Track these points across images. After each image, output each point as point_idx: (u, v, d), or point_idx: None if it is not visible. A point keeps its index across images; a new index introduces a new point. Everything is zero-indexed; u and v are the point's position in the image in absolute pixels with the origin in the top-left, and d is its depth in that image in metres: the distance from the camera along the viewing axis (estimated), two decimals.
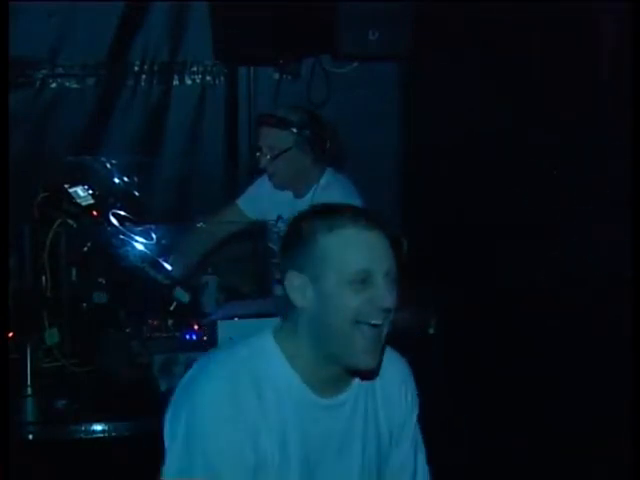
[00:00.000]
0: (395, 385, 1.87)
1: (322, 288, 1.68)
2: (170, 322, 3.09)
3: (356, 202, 3.18)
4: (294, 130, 3.15)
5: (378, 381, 1.84)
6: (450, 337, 3.76)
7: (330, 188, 3.21)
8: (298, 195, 3.28)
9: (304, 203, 3.16)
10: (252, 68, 4.42)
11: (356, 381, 1.80)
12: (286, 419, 1.70)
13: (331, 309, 1.67)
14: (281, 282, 1.75)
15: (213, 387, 1.69)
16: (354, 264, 1.67)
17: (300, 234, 1.72)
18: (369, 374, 1.79)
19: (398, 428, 1.87)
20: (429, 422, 1.94)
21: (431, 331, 3.93)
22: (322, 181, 3.24)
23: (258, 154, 3.24)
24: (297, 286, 1.71)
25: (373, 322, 1.68)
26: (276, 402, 1.70)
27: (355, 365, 1.71)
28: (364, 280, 1.67)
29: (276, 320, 1.83)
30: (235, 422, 1.66)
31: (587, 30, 2.60)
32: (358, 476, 1.80)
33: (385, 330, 1.72)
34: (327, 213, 1.73)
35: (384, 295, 1.67)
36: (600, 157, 2.61)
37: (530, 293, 2.98)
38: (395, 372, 1.88)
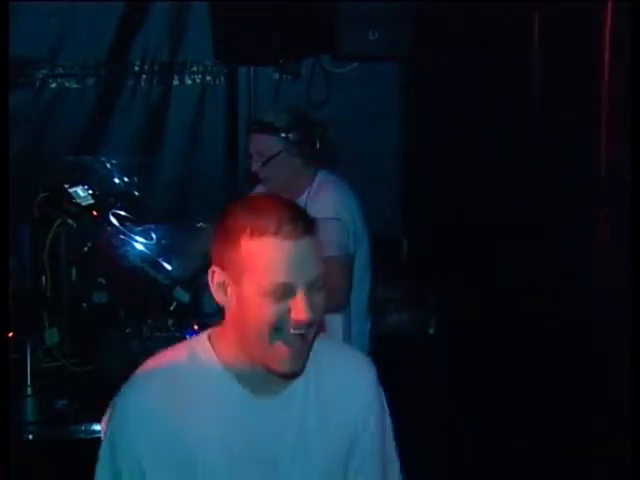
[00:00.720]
0: (347, 389, 1.77)
1: (242, 292, 1.62)
2: (170, 322, 3.09)
3: (350, 204, 3.19)
4: (282, 135, 3.14)
5: (324, 383, 1.75)
6: (450, 337, 3.76)
7: (323, 190, 3.20)
8: (293, 198, 3.28)
9: (309, 205, 3.17)
10: (252, 68, 4.42)
11: (295, 382, 1.72)
12: (218, 418, 1.66)
13: (250, 315, 1.61)
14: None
15: (142, 384, 1.70)
16: (272, 277, 1.58)
17: (225, 230, 1.64)
18: (293, 376, 1.69)
19: (353, 435, 1.77)
20: (429, 422, 1.94)
21: (431, 331, 3.93)
22: (315, 184, 3.23)
23: (250, 160, 3.24)
24: (218, 283, 1.66)
25: (292, 332, 1.61)
26: (208, 402, 1.66)
27: (275, 369, 1.64)
28: (283, 293, 1.58)
29: None
30: (159, 420, 1.64)
31: (587, 30, 2.60)
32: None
33: (311, 334, 1.65)
34: (252, 213, 1.62)
35: (302, 309, 1.58)
36: (600, 157, 2.61)
37: (530, 293, 2.98)
38: (349, 375, 1.79)
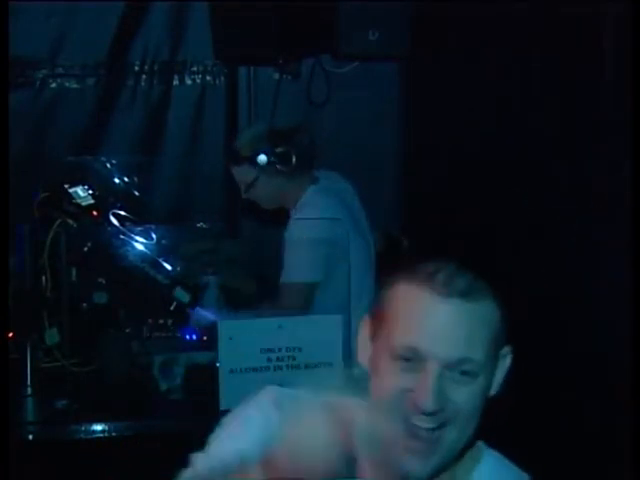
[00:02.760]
0: None
1: (376, 349, 1.32)
2: (170, 322, 3.09)
3: (334, 215, 3.17)
4: (251, 163, 3.15)
5: None
6: None
7: (305, 207, 3.21)
8: (287, 211, 3.31)
9: (289, 224, 3.21)
10: (252, 68, 4.42)
11: None
12: None
13: (376, 379, 1.30)
14: None
15: None
16: (403, 335, 1.26)
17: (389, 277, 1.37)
18: None
19: None
20: None
21: None
22: (301, 199, 3.23)
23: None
24: (362, 337, 1.36)
25: (414, 422, 1.25)
26: None
27: (397, 462, 1.28)
28: (411, 361, 1.25)
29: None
30: None
31: (588, 30, 2.60)
32: None
33: (447, 435, 1.27)
34: (420, 262, 1.34)
35: (427, 391, 1.23)
36: (601, 157, 2.61)
37: (530, 293, 2.98)
38: None
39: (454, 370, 1.25)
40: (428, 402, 1.23)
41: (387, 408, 1.26)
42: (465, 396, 1.26)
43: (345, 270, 3.16)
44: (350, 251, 3.18)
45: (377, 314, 1.33)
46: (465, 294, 1.28)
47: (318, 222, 3.15)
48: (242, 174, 3.23)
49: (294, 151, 3.16)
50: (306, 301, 3.14)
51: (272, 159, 3.13)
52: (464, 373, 1.26)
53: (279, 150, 3.14)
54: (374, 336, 1.33)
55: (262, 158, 3.13)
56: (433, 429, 1.25)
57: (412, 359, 1.25)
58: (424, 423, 1.25)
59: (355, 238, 3.24)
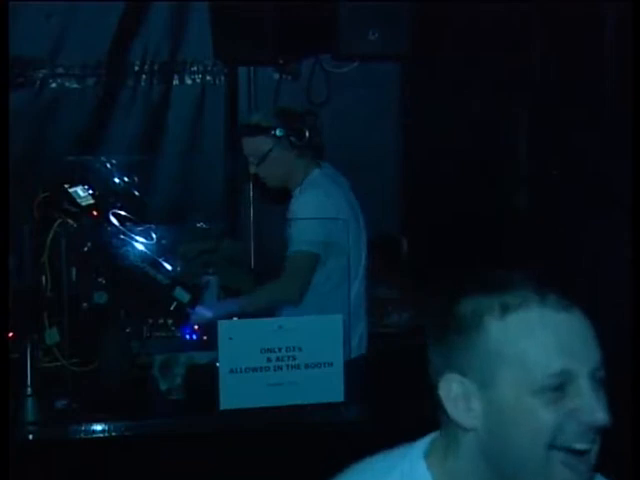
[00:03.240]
0: None
1: (496, 398, 1.18)
2: (170, 322, 3.09)
3: (335, 204, 3.22)
4: (269, 133, 3.23)
5: None
6: None
7: (309, 187, 3.27)
8: (289, 193, 3.35)
9: (293, 201, 3.26)
10: (252, 68, 4.42)
11: None
12: None
13: (512, 429, 1.17)
14: (433, 386, 1.28)
15: None
16: (546, 364, 1.16)
17: (458, 318, 1.22)
18: None
19: None
20: (430, 422, 1.93)
21: None
22: (306, 180, 3.30)
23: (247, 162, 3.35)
24: (458, 395, 1.22)
25: (577, 447, 1.17)
26: None
27: None
28: (561, 386, 1.16)
29: None
30: None
31: (589, 29, 2.60)
32: None
33: (594, 455, 1.19)
34: (490, 287, 1.23)
35: (593, 407, 1.16)
36: (602, 157, 2.61)
37: None
38: None
39: (595, 378, 1.19)
40: (604, 414, 1.17)
41: (543, 450, 1.16)
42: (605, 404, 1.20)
43: (343, 251, 3.18)
44: (349, 236, 3.23)
45: (477, 364, 1.20)
46: (568, 303, 1.22)
47: (322, 200, 3.22)
48: (256, 145, 3.28)
49: (308, 128, 3.28)
50: (306, 274, 3.17)
51: (288, 131, 3.24)
52: (601, 380, 1.20)
53: (294, 125, 3.26)
54: (482, 386, 1.20)
55: (280, 129, 3.23)
56: (589, 450, 1.18)
57: (563, 383, 1.17)
58: (586, 445, 1.17)
59: (354, 227, 3.27)
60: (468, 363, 1.21)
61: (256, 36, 3.95)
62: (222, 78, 4.47)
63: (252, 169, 3.33)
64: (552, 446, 1.16)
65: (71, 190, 2.97)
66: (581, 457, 1.17)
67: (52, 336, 2.89)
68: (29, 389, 2.75)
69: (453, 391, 1.22)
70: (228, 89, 4.48)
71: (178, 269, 3.05)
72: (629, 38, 2.26)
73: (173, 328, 3.08)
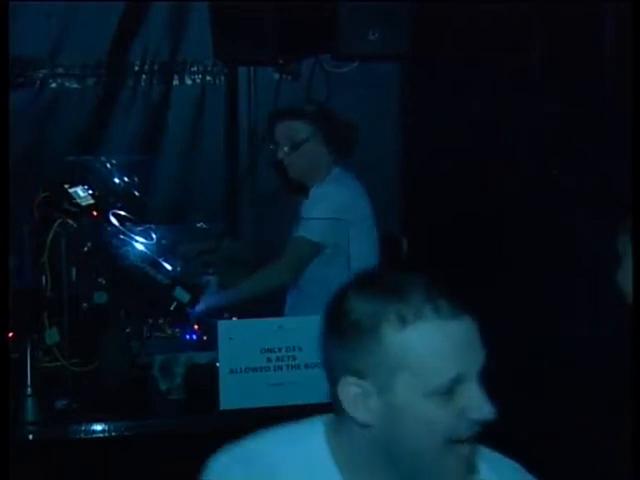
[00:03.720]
0: None
1: (394, 401, 1.25)
2: (170, 322, 3.09)
3: (348, 203, 3.27)
4: (311, 121, 3.29)
5: None
6: None
7: (326, 185, 3.30)
8: (307, 188, 3.38)
9: (310, 198, 3.31)
10: (252, 68, 4.42)
11: None
12: None
13: (409, 429, 1.25)
14: (331, 384, 1.33)
15: (222, 470, 1.44)
16: (442, 371, 1.24)
17: (356, 325, 1.27)
18: None
19: None
20: None
21: None
22: (325, 179, 3.34)
23: (272, 147, 3.37)
24: (357, 396, 1.28)
25: (466, 438, 1.28)
26: None
27: None
28: (453, 389, 1.25)
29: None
30: None
31: (589, 29, 2.60)
32: None
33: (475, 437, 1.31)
34: (387, 294, 1.27)
35: (482, 404, 1.26)
36: (602, 157, 2.61)
37: (531, 292, 2.98)
38: None
39: (479, 377, 1.28)
40: (490, 408, 1.27)
41: (440, 446, 1.26)
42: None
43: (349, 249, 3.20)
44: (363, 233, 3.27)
45: (376, 369, 1.26)
46: (458, 308, 1.30)
47: (338, 195, 3.27)
48: (294, 130, 3.31)
49: (347, 132, 3.39)
50: (302, 258, 3.23)
51: (328, 127, 3.31)
52: (478, 375, 1.28)
53: (335, 123, 3.35)
54: (380, 390, 1.26)
55: (322, 122, 3.31)
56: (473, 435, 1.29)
57: (454, 386, 1.25)
58: (473, 432, 1.28)
59: (362, 231, 3.30)
60: (366, 367, 1.26)
61: (256, 36, 3.95)
62: (222, 78, 4.47)
63: (280, 154, 3.33)
64: (446, 441, 1.25)
65: (71, 190, 2.97)
66: (469, 445, 1.29)
67: (52, 336, 2.89)
68: (29, 389, 2.75)
69: (352, 393, 1.28)
70: (228, 89, 4.48)
71: (178, 269, 3.05)
72: (629, 38, 2.26)
73: (173, 328, 3.08)
